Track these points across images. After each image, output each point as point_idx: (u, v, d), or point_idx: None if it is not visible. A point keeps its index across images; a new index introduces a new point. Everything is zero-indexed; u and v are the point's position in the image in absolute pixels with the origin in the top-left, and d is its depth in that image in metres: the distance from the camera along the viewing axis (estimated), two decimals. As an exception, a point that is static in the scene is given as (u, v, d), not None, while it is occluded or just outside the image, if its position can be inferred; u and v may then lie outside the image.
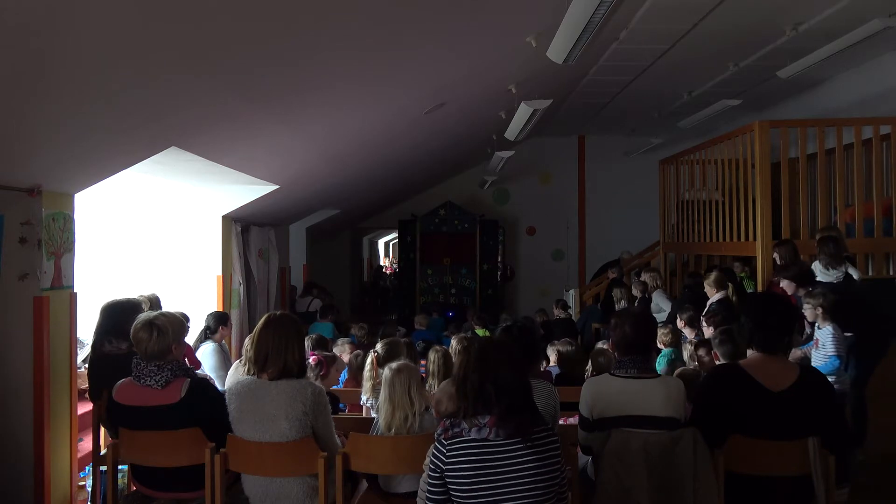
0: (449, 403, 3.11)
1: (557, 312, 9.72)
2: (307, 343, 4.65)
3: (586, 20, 3.93)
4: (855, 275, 5.16)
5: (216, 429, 3.01)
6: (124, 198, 6.20)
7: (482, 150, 9.97)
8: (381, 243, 24.41)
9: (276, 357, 2.98)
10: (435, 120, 6.83)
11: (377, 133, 6.65)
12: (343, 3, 3.34)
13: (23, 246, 3.79)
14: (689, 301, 6.41)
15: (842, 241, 5.31)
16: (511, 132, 6.80)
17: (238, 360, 4.75)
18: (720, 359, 3.98)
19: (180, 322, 3.27)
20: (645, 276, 8.04)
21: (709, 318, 5.21)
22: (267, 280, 8.71)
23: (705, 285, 6.17)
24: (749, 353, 2.91)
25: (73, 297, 4.22)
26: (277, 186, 6.46)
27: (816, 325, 4.54)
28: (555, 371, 5.29)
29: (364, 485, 3.30)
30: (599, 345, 5.11)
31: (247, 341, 4.36)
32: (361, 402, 4.39)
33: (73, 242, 4.14)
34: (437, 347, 4.42)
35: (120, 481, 3.46)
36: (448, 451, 2.36)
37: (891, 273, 6.99)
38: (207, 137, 4.45)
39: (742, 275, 7.54)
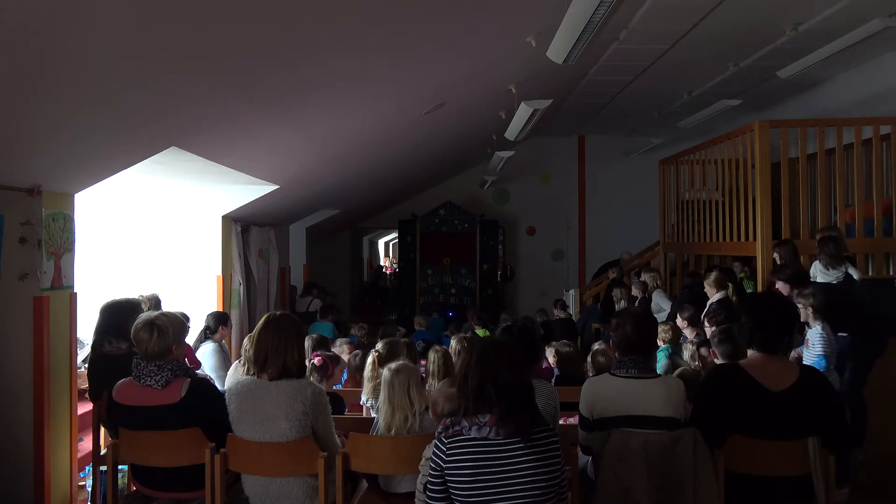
0: (445, 404, 3.11)
1: (557, 312, 9.73)
2: (308, 343, 4.65)
3: (586, 20, 3.93)
4: (855, 275, 5.16)
5: (216, 429, 3.01)
6: (124, 198, 6.20)
7: (482, 150, 9.97)
8: (381, 243, 24.42)
9: (275, 357, 2.98)
10: (435, 120, 6.83)
11: (377, 133, 6.65)
12: (343, 3, 3.34)
13: (23, 246, 3.79)
14: (688, 301, 6.42)
15: (842, 241, 5.31)
16: (511, 132, 6.80)
17: (237, 360, 4.75)
18: (719, 358, 3.98)
19: (181, 322, 3.27)
20: (645, 276, 8.05)
21: (711, 317, 5.22)
22: (267, 280, 8.71)
23: (705, 285, 6.17)
24: (749, 352, 2.91)
25: (73, 297, 4.22)
26: (277, 186, 6.46)
27: (807, 324, 4.54)
28: (554, 371, 5.29)
29: (364, 485, 3.30)
30: (597, 345, 5.10)
31: (246, 341, 4.38)
32: (361, 402, 4.39)
33: (73, 242, 4.14)
34: (437, 347, 4.42)
35: (120, 481, 3.46)
36: (448, 449, 2.37)
37: (891, 273, 6.99)
38: (207, 137, 4.45)
39: (742, 275, 7.54)
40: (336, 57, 4.01)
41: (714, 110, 8.13)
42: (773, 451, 2.76)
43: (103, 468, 3.43)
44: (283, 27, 3.25)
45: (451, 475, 2.35)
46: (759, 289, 6.55)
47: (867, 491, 4.34)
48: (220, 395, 3.15)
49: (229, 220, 7.10)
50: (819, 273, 5.18)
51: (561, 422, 3.68)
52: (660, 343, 5.31)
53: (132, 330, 3.11)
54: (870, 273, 6.66)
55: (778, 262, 5.57)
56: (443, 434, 2.42)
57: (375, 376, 4.17)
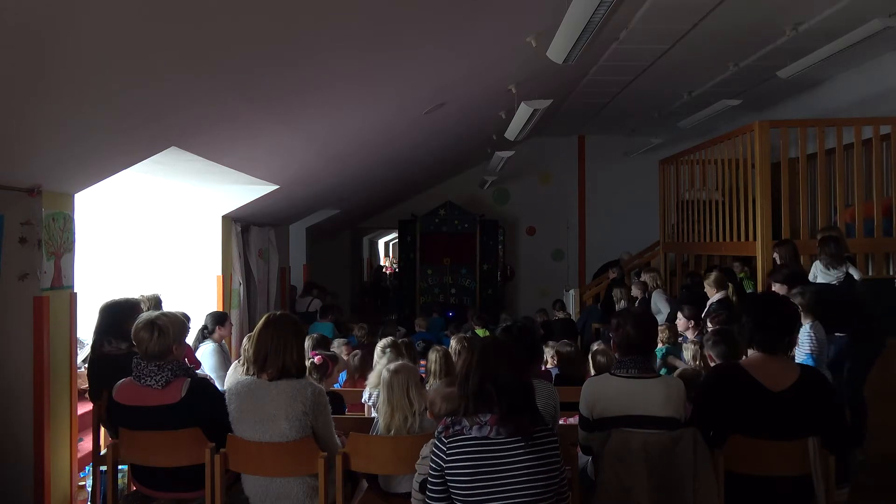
0: (443, 404, 3.10)
1: (556, 312, 9.74)
2: (308, 343, 4.66)
3: (586, 20, 3.94)
4: (856, 275, 5.16)
5: (216, 429, 3.01)
6: (124, 198, 6.20)
7: (482, 150, 9.97)
8: (381, 243, 24.42)
9: (275, 357, 2.98)
10: (435, 120, 6.83)
11: (377, 133, 6.65)
12: (343, 3, 3.34)
13: (23, 246, 3.79)
14: (687, 301, 6.41)
15: (843, 241, 5.31)
16: (511, 132, 6.80)
17: (237, 360, 4.75)
18: (714, 360, 3.97)
19: (181, 322, 3.27)
20: (645, 277, 8.04)
21: (713, 317, 5.22)
22: (267, 280, 8.71)
23: (705, 285, 6.17)
24: (749, 352, 2.91)
25: (73, 297, 4.22)
26: (277, 186, 6.46)
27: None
28: (554, 372, 5.29)
29: (364, 485, 3.30)
30: (596, 345, 5.10)
31: (245, 341, 4.38)
32: (363, 401, 4.40)
33: (73, 242, 4.14)
34: (437, 347, 4.42)
35: (120, 481, 3.46)
36: (448, 449, 2.37)
37: (891, 273, 6.99)
38: (207, 137, 4.45)
39: (742, 275, 7.55)
40: (336, 57, 4.00)
41: (714, 110, 8.14)
42: (773, 451, 2.76)
43: (103, 468, 3.43)
44: (283, 27, 3.25)
45: (451, 474, 2.35)
46: (759, 289, 6.55)
47: (867, 491, 4.33)
48: (220, 395, 3.15)
49: (229, 220, 7.10)
50: (820, 273, 5.18)
51: (561, 422, 3.68)
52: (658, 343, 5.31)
53: (132, 330, 3.11)
54: (870, 273, 6.66)
55: (778, 262, 5.58)
56: (443, 434, 2.42)
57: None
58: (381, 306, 16.55)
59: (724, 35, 6.42)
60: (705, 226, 8.35)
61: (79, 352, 4.73)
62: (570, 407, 3.83)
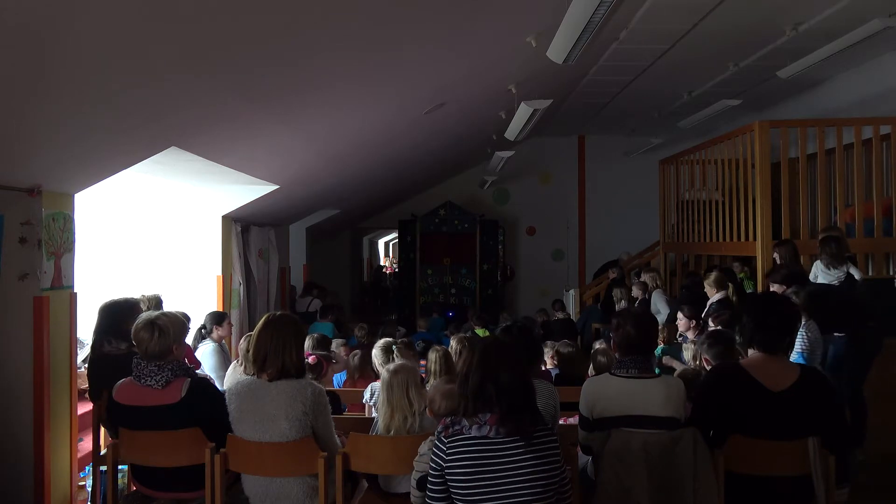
0: (442, 401, 3.11)
1: (556, 313, 9.73)
2: (309, 343, 4.66)
3: (586, 20, 3.93)
4: (856, 275, 5.16)
5: (216, 429, 3.01)
6: (124, 198, 6.20)
7: (482, 150, 9.97)
8: (381, 243, 24.42)
9: (274, 358, 2.98)
10: (435, 120, 6.83)
11: (377, 133, 6.65)
12: (343, 3, 3.34)
13: (23, 246, 3.79)
14: (687, 301, 6.41)
15: (844, 241, 5.32)
16: (511, 132, 6.80)
17: (235, 362, 4.76)
18: (709, 361, 3.97)
19: (181, 322, 3.27)
20: (645, 277, 8.04)
21: (715, 317, 5.21)
22: (267, 280, 8.71)
23: (705, 285, 6.17)
24: (750, 352, 2.91)
25: (73, 297, 4.22)
26: (277, 186, 6.47)
27: None
28: (554, 372, 5.29)
29: (364, 485, 3.30)
30: (598, 344, 5.09)
31: (242, 342, 4.38)
32: (364, 401, 4.40)
33: (73, 242, 4.14)
34: (437, 347, 4.42)
35: (120, 481, 3.46)
36: (448, 448, 2.37)
37: (891, 273, 6.99)
38: (207, 137, 4.45)
39: (742, 275, 7.55)
40: (336, 57, 4.00)
41: (714, 110, 8.14)
42: (773, 451, 2.76)
43: (103, 468, 3.43)
44: (283, 27, 3.25)
45: (451, 474, 2.36)
46: (759, 289, 6.55)
47: (867, 491, 4.33)
48: (220, 395, 3.15)
49: (229, 220, 7.10)
50: (820, 273, 5.19)
51: (561, 422, 3.67)
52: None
53: (132, 330, 3.11)
54: (870, 273, 6.67)
55: (778, 262, 5.58)
56: (443, 433, 2.42)
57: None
58: (381, 306, 16.55)
59: (724, 35, 6.42)
60: (705, 226, 8.35)
61: (79, 352, 4.73)
62: (570, 407, 3.83)
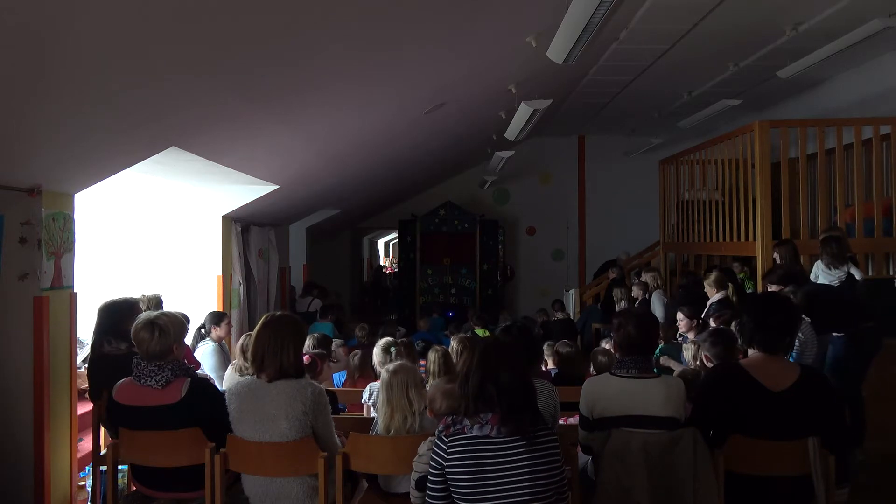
0: (443, 401, 3.11)
1: (556, 313, 9.73)
2: (309, 342, 4.66)
3: (586, 20, 3.93)
4: (857, 275, 5.16)
5: (216, 429, 3.01)
6: (124, 198, 6.20)
7: (482, 150, 9.97)
8: (381, 243, 24.42)
9: (272, 358, 2.98)
10: (435, 120, 6.83)
11: (377, 133, 6.65)
12: (343, 3, 3.34)
13: (23, 246, 3.79)
14: (685, 301, 6.41)
15: (845, 241, 5.32)
16: (511, 132, 6.80)
17: (233, 362, 4.76)
18: (710, 360, 3.97)
19: (181, 322, 3.27)
20: (646, 276, 8.03)
21: (717, 317, 5.21)
22: (267, 280, 8.71)
23: (705, 285, 6.17)
24: (750, 352, 2.91)
25: (73, 297, 4.22)
26: (277, 186, 6.46)
27: None
28: (553, 372, 5.29)
29: (364, 485, 3.30)
30: (604, 344, 5.08)
31: (242, 339, 4.38)
32: (363, 401, 4.40)
33: (73, 242, 4.14)
34: (437, 347, 4.43)
35: (120, 481, 3.46)
36: (449, 447, 2.37)
37: (891, 273, 6.99)
38: (207, 137, 4.45)
39: (742, 275, 7.55)
40: (336, 57, 4.00)
41: (714, 110, 8.14)
42: (773, 451, 2.76)
43: (103, 468, 3.43)
44: (283, 27, 3.25)
45: (451, 473, 2.36)
46: (759, 289, 6.55)
47: (867, 491, 4.34)
48: (221, 395, 3.15)
49: (229, 220, 7.10)
50: (821, 273, 5.19)
51: (561, 422, 3.67)
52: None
53: (132, 330, 3.11)
54: (870, 273, 6.67)
55: (778, 261, 5.58)
56: (443, 433, 2.42)
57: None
58: (381, 306, 16.54)
59: (724, 35, 6.42)
60: (705, 226, 8.35)
61: (79, 352, 4.73)
62: (570, 407, 3.83)
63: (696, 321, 5.53)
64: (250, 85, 3.84)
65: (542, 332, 8.25)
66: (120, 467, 3.33)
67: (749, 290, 7.14)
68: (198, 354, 5.35)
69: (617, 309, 7.71)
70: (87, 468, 4.39)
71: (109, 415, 3.26)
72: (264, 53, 3.48)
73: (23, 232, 3.77)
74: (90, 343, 4.22)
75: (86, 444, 4.57)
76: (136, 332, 3.07)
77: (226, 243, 7.01)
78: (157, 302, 4.94)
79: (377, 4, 3.53)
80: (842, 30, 5.68)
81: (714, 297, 5.99)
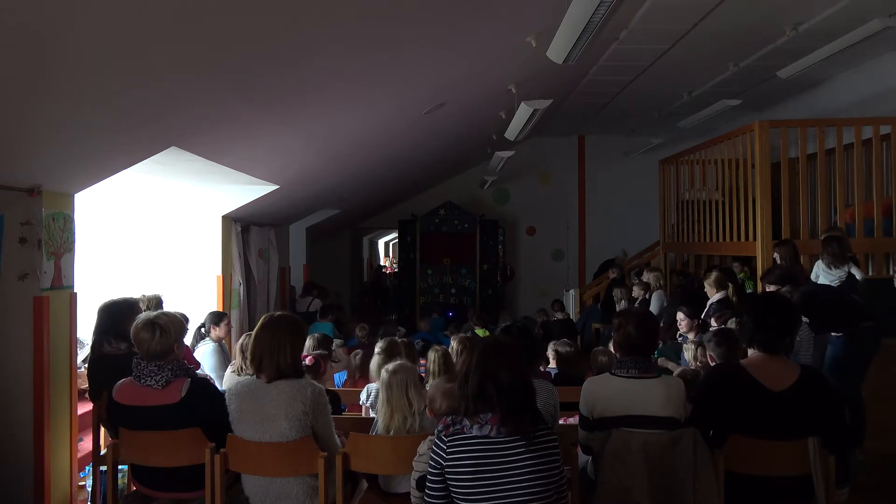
0: (443, 400, 3.11)
1: (556, 313, 9.73)
2: (310, 342, 4.66)
3: (586, 20, 3.93)
4: (858, 275, 5.16)
5: (216, 429, 3.01)
6: (124, 198, 6.20)
7: (482, 150, 9.97)
8: (381, 243, 24.42)
9: (270, 359, 2.97)
10: (435, 120, 6.83)
11: (377, 133, 6.65)
12: (343, 3, 3.34)
13: (23, 246, 3.79)
14: (681, 301, 6.39)
15: (846, 241, 5.33)
16: (511, 132, 6.80)
17: (232, 363, 4.76)
18: (715, 359, 3.97)
19: (180, 322, 3.27)
20: (648, 276, 7.99)
21: (718, 317, 5.21)
22: (267, 280, 8.71)
23: (705, 285, 6.17)
24: (750, 352, 2.91)
25: (73, 297, 4.22)
26: (277, 186, 6.47)
27: None
28: (553, 372, 5.28)
29: (364, 485, 3.30)
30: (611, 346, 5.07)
31: (242, 338, 4.39)
32: (361, 402, 4.40)
33: (73, 242, 4.14)
34: (437, 347, 4.42)
35: (120, 481, 3.46)
36: (449, 447, 2.37)
37: (890, 273, 6.99)
38: (207, 137, 4.45)
39: (742, 275, 7.55)
40: (336, 57, 4.00)
41: (714, 110, 8.14)
42: (773, 451, 2.76)
43: (103, 468, 3.43)
44: (283, 27, 3.25)
45: (451, 473, 2.36)
46: (759, 289, 6.55)
47: (867, 491, 4.34)
48: (221, 395, 3.15)
49: (229, 220, 7.10)
50: (822, 273, 5.19)
51: (561, 422, 3.67)
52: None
53: (132, 330, 3.10)
54: (870, 273, 6.67)
55: (778, 261, 5.58)
56: (443, 433, 2.42)
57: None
58: (381, 306, 16.54)
59: (724, 35, 6.42)
60: (705, 226, 8.35)
61: (79, 352, 4.73)
62: (570, 407, 3.83)
63: (696, 321, 5.53)
64: (250, 85, 3.84)
65: (542, 333, 8.25)
66: (120, 467, 3.33)
67: (749, 290, 7.14)
68: (197, 354, 5.35)
69: (617, 309, 7.71)
70: (87, 468, 4.39)
71: (109, 415, 3.26)
72: (264, 53, 3.48)
73: (23, 232, 3.77)
74: (90, 343, 4.22)
75: (86, 444, 4.57)
76: (137, 332, 3.06)
77: (226, 243, 7.02)
78: (157, 302, 4.94)
79: (377, 4, 3.53)
80: (842, 30, 5.68)
81: (714, 297, 5.99)
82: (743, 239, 7.16)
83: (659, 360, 5.19)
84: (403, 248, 12.85)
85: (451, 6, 4.04)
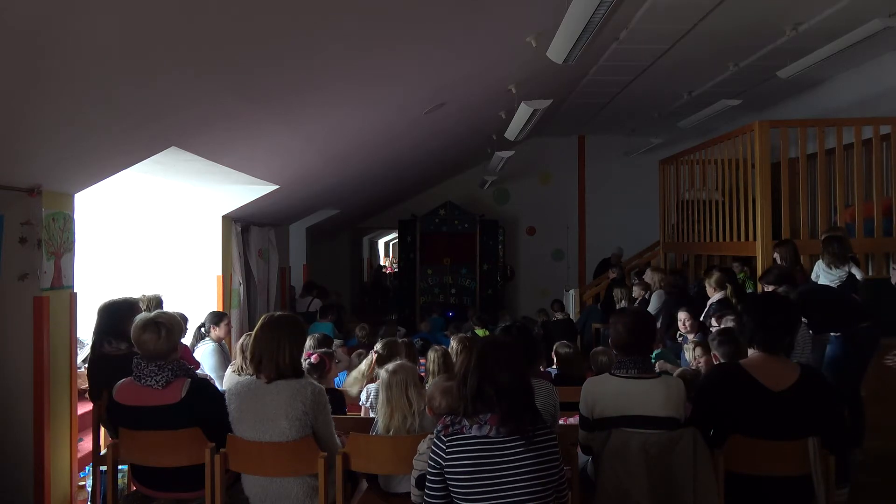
0: (442, 399, 3.11)
1: (556, 313, 9.72)
2: (310, 342, 4.66)
3: (586, 20, 3.93)
4: (858, 275, 5.16)
5: (216, 429, 3.01)
6: (124, 198, 6.20)
7: (482, 150, 9.97)
8: (381, 243, 24.41)
9: (269, 360, 2.97)
10: (435, 120, 6.83)
11: (377, 133, 6.65)
12: (343, 4, 3.34)
13: (23, 246, 3.79)
14: (676, 302, 6.38)
15: (846, 241, 5.33)
16: (511, 132, 6.80)
17: (232, 363, 4.75)
18: (719, 359, 3.98)
19: (179, 322, 3.27)
20: (653, 276, 7.92)
21: (719, 317, 5.21)
22: (267, 280, 8.71)
23: (706, 285, 6.17)
24: (750, 352, 2.91)
25: (73, 297, 4.22)
26: (277, 186, 6.47)
27: None
28: (553, 372, 5.28)
29: (364, 485, 3.30)
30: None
31: (243, 338, 4.39)
32: (361, 402, 4.40)
33: (73, 242, 4.14)
34: (437, 347, 4.43)
35: (120, 481, 3.46)
36: (448, 447, 2.37)
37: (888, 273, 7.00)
38: (207, 137, 4.45)
39: (742, 275, 7.55)
40: (336, 57, 4.01)
41: (714, 110, 8.14)
42: (773, 451, 2.76)
43: (103, 468, 3.43)
44: (283, 27, 3.25)
45: (450, 473, 2.36)
46: (759, 289, 6.55)
47: (866, 490, 4.33)
48: (221, 395, 3.15)
49: (229, 220, 7.10)
50: (822, 273, 5.19)
51: (561, 422, 3.67)
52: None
53: (134, 330, 3.10)
54: (870, 273, 6.67)
55: (778, 262, 5.58)
56: (442, 432, 2.42)
57: (370, 376, 4.20)
58: (381, 306, 16.54)
59: (724, 35, 6.42)
60: (705, 226, 8.35)
61: (79, 352, 4.73)
62: (570, 407, 3.83)
63: (697, 321, 5.54)
64: (250, 85, 3.84)
65: (542, 333, 8.25)
66: (120, 467, 3.33)
67: (749, 291, 7.13)
68: (197, 354, 5.35)
69: (617, 309, 7.69)
70: (87, 468, 4.39)
71: (109, 415, 3.26)
72: (264, 53, 3.48)
73: (23, 232, 3.77)
74: (90, 343, 4.22)
75: (86, 444, 4.57)
76: (141, 332, 3.05)
77: (226, 243, 7.02)
78: (157, 302, 4.94)
79: (377, 4, 3.53)
80: (842, 30, 5.68)
81: (714, 297, 5.99)
82: (743, 239, 7.16)
83: (658, 363, 5.19)
84: (403, 248, 12.85)
85: (452, 6, 4.05)
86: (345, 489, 3.03)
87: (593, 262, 12.59)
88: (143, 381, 3.02)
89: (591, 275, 12.43)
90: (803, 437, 2.73)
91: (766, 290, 4.90)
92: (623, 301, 8.12)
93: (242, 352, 4.30)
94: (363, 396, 4.37)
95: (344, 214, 11.57)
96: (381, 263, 24.07)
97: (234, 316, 7.14)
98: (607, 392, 3.01)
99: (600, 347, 5.56)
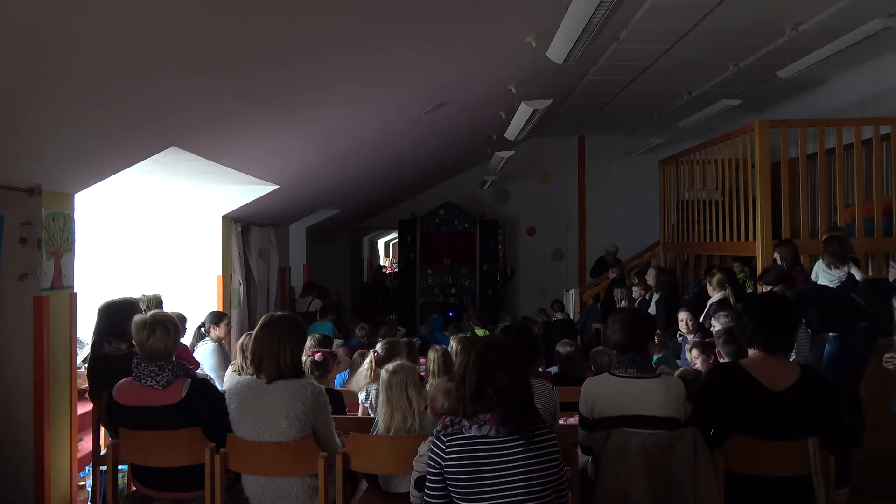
0: (444, 400, 3.11)
1: (556, 313, 9.72)
2: (310, 342, 4.65)
3: (586, 20, 3.93)
4: (858, 275, 5.16)
5: (216, 429, 3.01)
6: (124, 198, 6.20)
7: (482, 150, 9.97)
8: (381, 243, 24.41)
9: (269, 360, 2.97)
10: (435, 120, 6.83)
11: (377, 133, 6.65)
12: (343, 4, 3.34)
13: (23, 246, 3.79)
14: (670, 302, 6.37)
15: (847, 241, 5.33)
16: (511, 132, 6.80)
17: (232, 363, 4.75)
18: (724, 357, 3.99)
19: (178, 322, 3.27)
20: (660, 277, 7.89)
21: (720, 318, 5.21)
22: (267, 280, 8.71)
23: (708, 285, 6.16)
24: (750, 352, 2.91)
25: (73, 297, 4.22)
26: (277, 186, 6.47)
27: None
28: (553, 371, 5.28)
29: (364, 485, 3.30)
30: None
31: (240, 341, 4.38)
32: (360, 402, 4.39)
33: (73, 242, 4.14)
34: (437, 347, 4.42)
35: (120, 481, 3.46)
36: (448, 446, 2.37)
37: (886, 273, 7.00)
38: (207, 137, 4.45)
39: (742, 275, 7.55)
40: (336, 57, 4.01)
41: (714, 110, 8.13)
42: (773, 451, 2.76)
43: (103, 468, 3.43)
44: (283, 27, 3.25)
45: (450, 473, 2.36)
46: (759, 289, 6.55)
47: (866, 490, 4.34)
48: (221, 395, 3.15)
49: (229, 220, 7.10)
50: (822, 273, 5.19)
51: (561, 422, 3.67)
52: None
53: (135, 330, 3.10)
54: (870, 273, 6.67)
55: (778, 262, 5.58)
56: (442, 433, 2.42)
57: (372, 376, 4.19)
58: (381, 306, 16.54)
59: (724, 35, 6.42)
60: (705, 226, 8.35)
61: (79, 352, 4.73)
62: (570, 407, 3.83)
63: (696, 321, 5.54)
64: (250, 85, 3.84)
65: (542, 333, 8.25)
66: (120, 467, 3.33)
67: (749, 291, 7.13)
68: (197, 354, 5.35)
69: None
70: (87, 468, 4.39)
71: (109, 415, 3.26)
72: (264, 53, 3.48)
73: (23, 232, 3.77)
74: (90, 343, 4.22)
75: (86, 444, 4.57)
76: (140, 332, 3.05)
77: (226, 243, 7.02)
78: (157, 302, 4.93)
79: (377, 4, 3.53)
80: (842, 30, 5.68)
81: (714, 297, 5.99)
82: (743, 239, 7.16)
83: (658, 369, 5.18)
84: (403, 248, 12.85)
85: (452, 6, 4.05)
86: (345, 489, 3.03)
87: (593, 262, 12.58)
88: (143, 381, 3.02)
89: (588, 273, 12.42)
90: (803, 437, 2.73)
91: (764, 289, 4.90)
92: (623, 301, 8.11)
93: (242, 352, 4.30)
94: (361, 396, 4.37)
95: (344, 214, 11.57)
96: (381, 263, 24.07)
97: (234, 316, 7.14)
98: (607, 392, 3.02)
99: (600, 347, 5.56)
